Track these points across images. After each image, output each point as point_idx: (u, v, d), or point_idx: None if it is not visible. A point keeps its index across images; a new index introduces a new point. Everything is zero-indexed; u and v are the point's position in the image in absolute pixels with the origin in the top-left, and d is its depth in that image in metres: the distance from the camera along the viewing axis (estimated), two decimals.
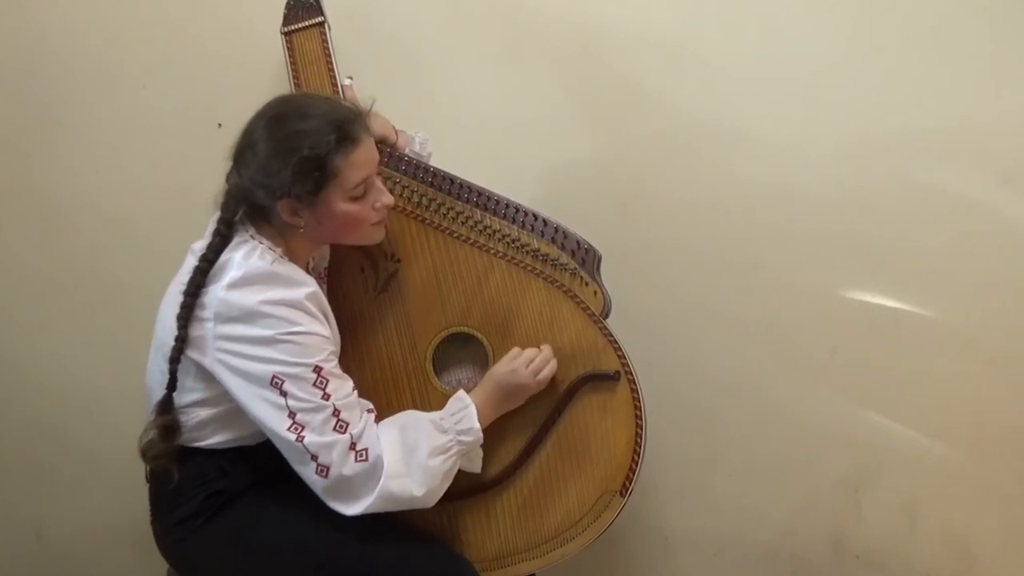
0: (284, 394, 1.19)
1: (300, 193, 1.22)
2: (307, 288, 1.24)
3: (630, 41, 1.65)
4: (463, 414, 1.32)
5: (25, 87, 1.74)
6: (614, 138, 1.70)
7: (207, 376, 1.24)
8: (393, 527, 1.31)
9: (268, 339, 1.19)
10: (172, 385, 1.25)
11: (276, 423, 1.20)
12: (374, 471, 1.23)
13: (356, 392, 1.27)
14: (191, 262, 1.26)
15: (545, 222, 1.41)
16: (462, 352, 1.45)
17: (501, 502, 1.42)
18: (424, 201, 1.41)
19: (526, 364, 1.36)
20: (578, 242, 1.41)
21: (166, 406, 1.26)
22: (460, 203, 1.41)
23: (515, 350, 1.39)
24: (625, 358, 1.40)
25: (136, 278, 1.71)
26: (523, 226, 1.41)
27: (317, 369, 1.21)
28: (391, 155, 1.41)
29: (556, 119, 1.69)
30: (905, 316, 1.67)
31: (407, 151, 1.45)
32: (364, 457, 1.22)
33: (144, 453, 1.27)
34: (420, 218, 1.42)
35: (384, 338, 1.43)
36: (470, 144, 1.67)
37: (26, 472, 1.91)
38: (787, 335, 1.71)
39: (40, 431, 1.88)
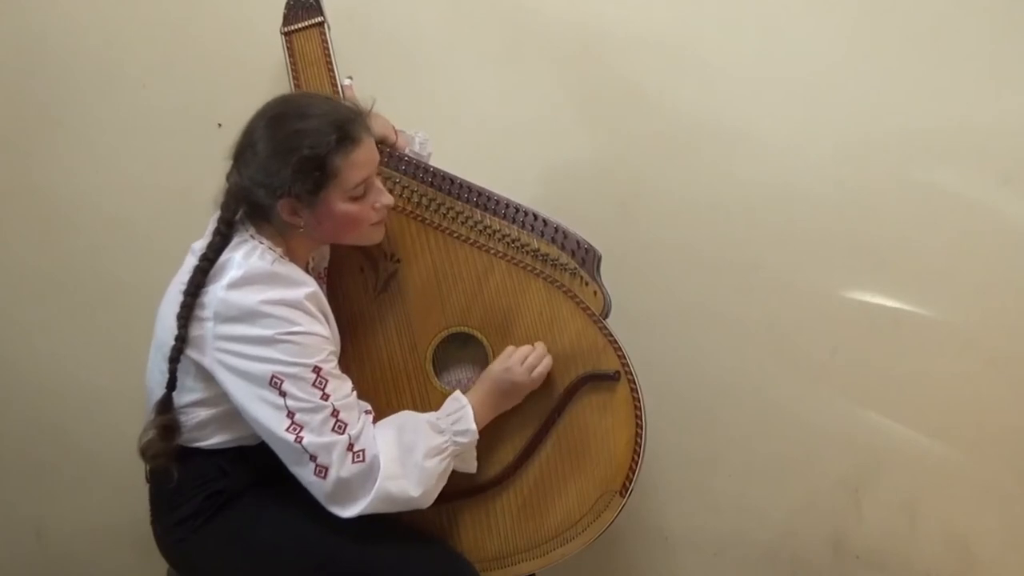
0: (283, 394, 1.19)
1: (300, 192, 1.22)
2: (307, 288, 1.24)
3: (630, 41, 1.65)
4: (459, 415, 1.32)
5: (25, 87, 1.74)
6: (614, 138, 1.70)
7: (207, 376, 1.24)
8: (393, 527, 1.31)
9: (267, 339, 1.19)
10: (172, 384, 1.25)
11: (274, 423, 1.20)
12: (371, 472, 1.22)
13: (355, 393, 1.27)
14: (191, 262, 1.26)
15: (545, 222, 1.41)
16: (462, 352, 1.45)
17: (501, 502, 1.42)
18: (424, 201, 1.41)
19: (520, 361, 1.36)
20: (578, 242, 1.41)
21: (165, 405, 1.25)
22: (460, 203, 1.41)
23: (509, 348, 1.39)
24: (625, 358, 1.40)
25: (136, 278, 1.71)
26: (523, 226, 1.41)
27: (316, 369, 1.21)
28: (391, 155, 1.41)
29: (556, 119, 1.69)
30: (905, 316, 1.67)
31: (407, 151, 1.45)
32: (361, 458, 1.22)
33: (143, 452, 1.27)
34: (420, 218, 1.42)
35: (384, 338, 1.43)
36: (470, 144, 1.67)
37: (26, 472, 1.91)
38: (787, 335, 1.71)
39: (40, 431, 1.88)
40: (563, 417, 1.41)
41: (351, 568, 1.28)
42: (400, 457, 1.25)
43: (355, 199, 1.27)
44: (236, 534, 1.29)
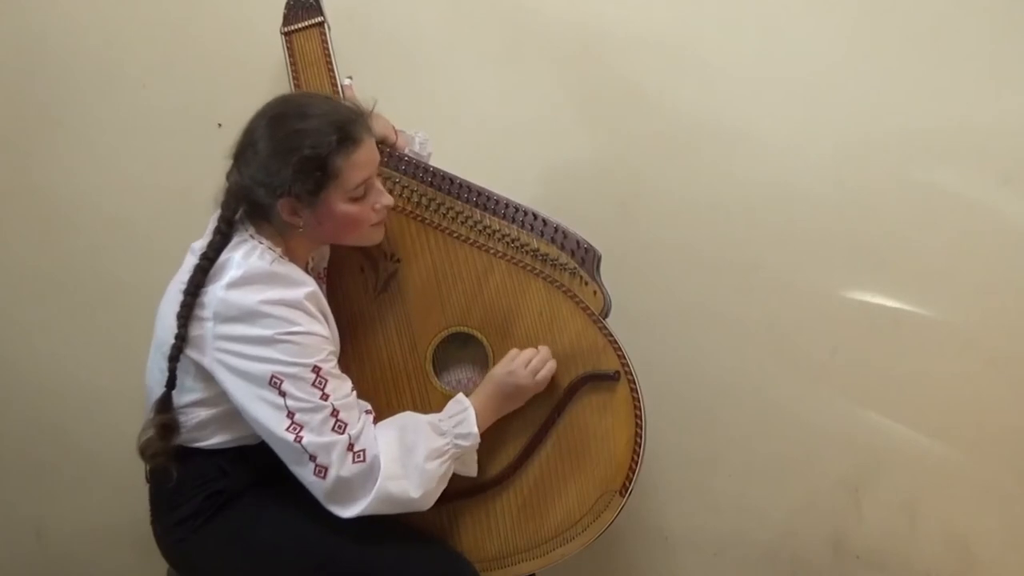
0: (283, 394, 1.19)
1: (300, 192, 1.22)
2: (306, 288, 1.24)
3: (630, 41, 1.65)
4: (462, 417, 1.32)
5: (25, 87, 1.74)
6: (614, 138, 1.70)
7: (206, 376, 1.24)
8: (393, 527, 1.31)
9: (267, 339, 1.19)
10: (171, 383, 1.24)
11: (274, 423, 1.20)
12: (371, 472, 1.22)
13: (355, 393, 1.27)
14: (191, 261, 1.26)
15: (545, 222, 1.41)
16: (462, 352, 1.45)
17: (501, 502, 1.41)
18: (424, 201, 1.41)
19: (524, 365, 1.36)
20: (578, 242, 1.41)
21: (165, 404, 1.25)
22: (460, 203, 1.41)
23: (513, 351, 1.39)
24: (625, 358, 1.40)
25: (136, 278, 1.71)
26: (523, 226, 1.41)
27: (316, 369, 1.21)
28: (391, 155, 1.41)
29: (556, 119, 1.69)
30: (905, 316, 1.67)
31: (407, 151, 1.45)
32: (362, 458, 1.22)
33: (142, 451, 1.27)
34: (420, 218, 1.42)
35: (384, 338, 1.43)
36: (470, 144, 1.67)
37: (26, 472, 1.91)
38: (787, 335, 1.71)
39: (40, 431, 1.88)
40: (563, 417, 1.41)
41: (351, 568, 1.28)
42: (401, 458, 1.25)
43: (355, 200, 1.27)
44: (236, 534, 1.29)
